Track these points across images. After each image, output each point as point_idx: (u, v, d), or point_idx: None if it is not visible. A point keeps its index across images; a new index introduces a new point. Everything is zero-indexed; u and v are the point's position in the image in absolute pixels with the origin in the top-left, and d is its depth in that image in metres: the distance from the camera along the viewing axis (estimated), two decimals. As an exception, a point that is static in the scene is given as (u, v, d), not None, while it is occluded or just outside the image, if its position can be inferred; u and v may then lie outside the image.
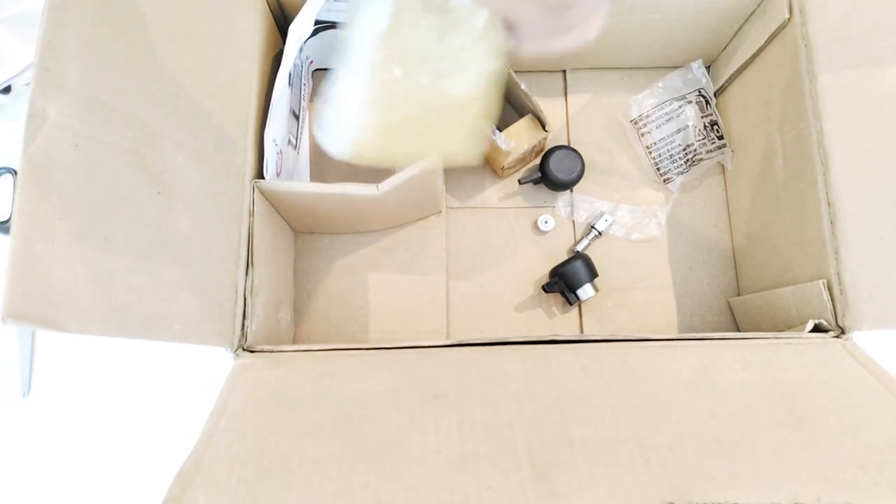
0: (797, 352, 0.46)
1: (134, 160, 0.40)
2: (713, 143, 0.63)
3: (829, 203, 0.49)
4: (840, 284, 0.48)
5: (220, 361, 0.45)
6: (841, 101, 0.50)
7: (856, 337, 0.47)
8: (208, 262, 0.44)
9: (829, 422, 0.38)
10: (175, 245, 0.42)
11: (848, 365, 0.44)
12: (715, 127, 0.63)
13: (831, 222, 0.48)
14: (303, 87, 0.61)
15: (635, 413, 0.39)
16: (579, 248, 0.63)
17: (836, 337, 0.47)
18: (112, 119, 0.39)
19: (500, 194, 0.65)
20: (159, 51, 0.43)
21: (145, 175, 0.40)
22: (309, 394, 0.41)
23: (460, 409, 0.40)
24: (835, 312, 0.48)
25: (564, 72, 0.68)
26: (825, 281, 0.49)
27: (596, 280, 0.60)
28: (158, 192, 0.41)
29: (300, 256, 0.62)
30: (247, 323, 0.47)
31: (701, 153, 0.63)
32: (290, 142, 0.58)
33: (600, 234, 0.63)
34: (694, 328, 0.61)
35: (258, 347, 0.46)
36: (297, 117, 0.60)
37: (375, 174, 0.64)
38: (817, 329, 0.49)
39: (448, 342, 0.47)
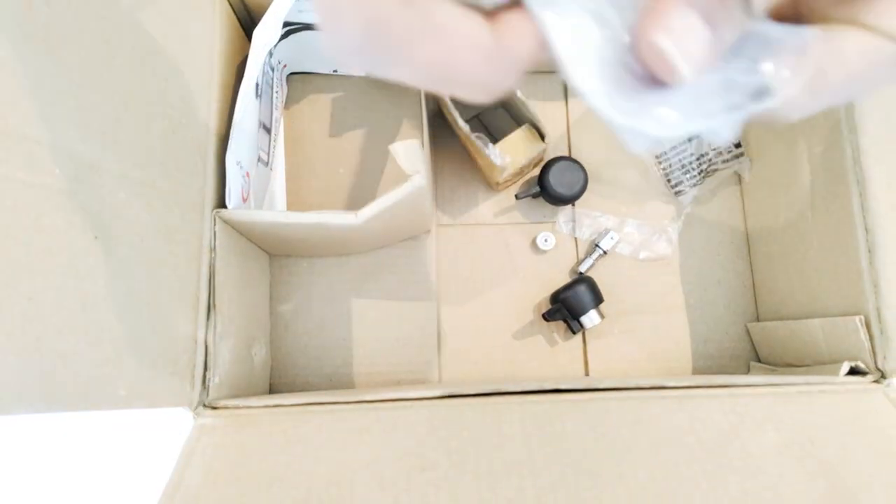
0: (833, 402, 0.40)
1: (64, 202, 0.34)
2: (729, 151, 0.57)
3: (866, 229, 0.43)
4: (880, 323, 0.42)
5: (179, 421, 0.40)
6: (881, 113, 0.44)
7: (898, 383, 0.42)
8: (159, 311, 0.38)
9: (878, 499, 0.33)
10: (117, 297, 0.36)
11: (893, 420, 0.39)
12: (732, 134, 0.57)
13: (869, 251, 0.43)
14: (275, 95, 0.55)
15: (655, 490, 0.34)
16: (582, 269, 0.57)
17: (876, 382, 0.42)
18: (35, 155, 0.33)
19: (495, 210, 0.59)
20: (96, 69, 0.37)
21: (78, 218, 0.34)
22: (277, 468, 0.36)
23: (452, 486, 0.35)
24: (874, 354, 0.43)
25: (565, 71, 0.62)
26: (862, 318, 0.43)
27: (601, 305, 0.54)
28: (95, 237, 0.35)
29: (275, 282, 0.56)
30: (209, 375, 0.41)
31: (716, 163, 0.57)
32: (260, 158, 0.52)
33: (605, 252, 0.57)
34: (709, 355, 0.56)
35: (222, 403, 0.41)
36: (268, 130, 0.54)
37: (360, 189, 0.58)
38: (853, 371, 0.43)
39: (438, 393, 0.41)
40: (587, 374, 0.55)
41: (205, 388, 0.41)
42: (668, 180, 0.58)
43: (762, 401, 0.40)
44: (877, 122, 0.43)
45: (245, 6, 0.51)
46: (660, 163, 0.58)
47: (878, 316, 0.42)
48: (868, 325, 0.43)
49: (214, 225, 0.43)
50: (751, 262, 0.58)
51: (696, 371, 0.55)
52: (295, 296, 0.56)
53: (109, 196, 0.36)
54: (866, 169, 0.43)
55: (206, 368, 0.41)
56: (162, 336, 0.38)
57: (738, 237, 0.58)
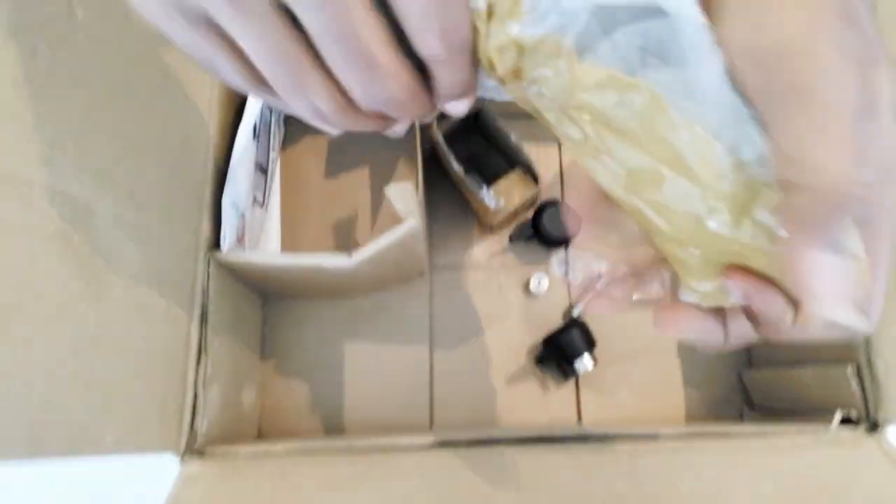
0: (827, 453, 0.40)
1: (58, 246, 0.34)
2: (720, 197, 0.58)
3: (856, 278, 0.43)
4: (871, 372, 0.42)
5: (166, 467, 0.39)
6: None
7: (890, 433, 0.42)
8: (150, 355, 0.38)
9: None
10: (108, 341, 0.35)
11: (887, 471, 0.39)
12: (722, 180, 0.58)
13: (860, 300, 0.43)
14: (272, 136, 0.55)
15: (649, 543, 0.33)
16: (575, 312, 0.57)
17: (869, 432, 0.42)
18: (31, 198, 0.33)
19: (488, 252, 0.59)
20: (97, 111, 0.37)
21: (72, 262, 0.34)
22: (265, 518, 0.35)
23: (443, 538, 0.34)
24: (866, 403, 0.43)
25: (558, 116, 0.63)
26: (854, 366, 0.43)
27: (594, 350, 0.54)
28: (87, 282, 0.35)
29: (267, 324, 0.56)
30: (197, 420, 0.41)
31: (707, 209, 0.58)
32: (255, 199, 0.52)
33: (598, 296, 0.57)
34: (703, 402, 0.56)
35: (209, 449, 0.40)
36: (264, 171, 0.54)
37: (355, 230, 0.59)
38: (846, 420, 0.43)
39: (430, 441, 0.41)
40: (580, 420, 0.55)
41: (192, 433, 0.40)
42: (660, 225, 0.59)
43: (756, 451, 0.40)
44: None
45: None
46: (651, 208, 0.59)
47: (869, 364, 0.43)
48: (859, 374, 0.43)
49: (208, 267, 0.43)
50: (742, 308, 0.58)
51: (690, 418, 0.55)
52: (287, 338, 0.55)
53: (104, 238, 0.36)
54: (855, 219, 0.44)
55: (194, 413, 0.41)
56: (151, 381, 0.38)
57: (729, 282, 0.59)
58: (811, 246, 0.19)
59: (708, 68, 0.19)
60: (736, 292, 0.23)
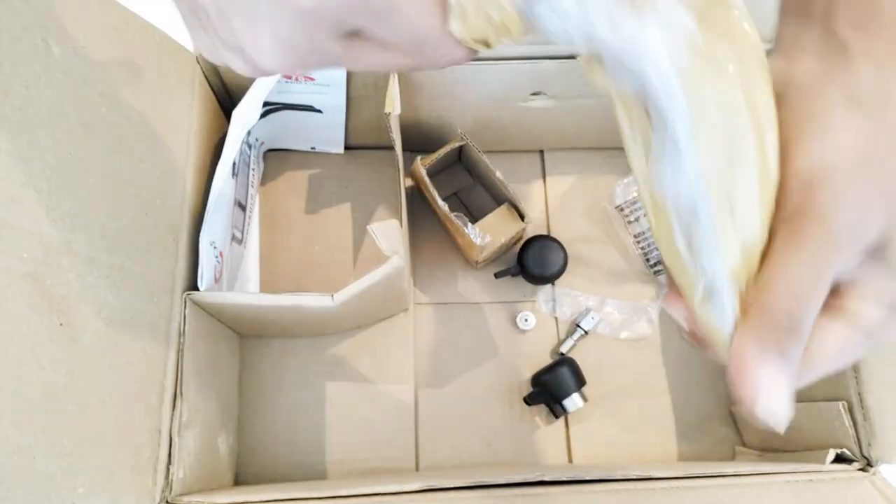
0: (820, 493, 0.40)
1: (29, 287, 0.32)
2: (705, 232, 0.58)
3: (844, 313, 0.43)
4: (863, 409, 0.42)
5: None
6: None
7: (885, 471, 0.41)
8: (124, 401, 0.36)
9: None
10: (79, 386, 0.34)
11: (883, 511, 0.38)
12: (706, 215, 0.58)
13: (848, 335, 0.43)
14: (251, 172, 0.54)
15: None
16: (564, 349, 0.56)
17: (862, 470, 0.41)
18: (2, 238, 0.32)
19: (474, 288, 0.58)
20: (72, 150, 0.36)
21: (43, 304, 0.33)
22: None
23: (431, 592, 0.32)
24: (858, 441, 0.42)
25: (542, 152, 0.63)
26: (845, 403, 0.43)
27: (584, 388, 0.53)
28: (60, 324, 0.33)
29: (245, 365, 0.54)
30: (172, 469, 0.39)
31: (692, 243, 0.58)
32: (234, 237, 0.51)
33: (586, 332, 0.56)
34: (694, 439, 0.55)
35: (185, 500, 0.38)
36: (243, 208, 0.53)
37: (336, 266, 0.57)
38: (839, 458, 0.43)
39: (416, 487, 0.39)
40: (570, 459, 0.54)
41: (168, 482, 0.38)
42: (647, 259, 0.58)
43: (750, 491, 0.39)
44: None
45: (225, 87, 0.52)
46: (638, 242, 0.59)
47: (861, 401, 0.42)
48: (851, 411, 0.43)
49: (185, 308, 0.42)
50: (730, 343, 0.58)
51: (682, 456, 0.54)
52: (265, 379, 0.54)
53: (77, 280, 0.35)
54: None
55: (169, 461, 0.39)
56: (125, 427, 0.36)
57: (716, 317, 0.58)
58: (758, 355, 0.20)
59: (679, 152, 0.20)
60: (677, 317, 0.24)
